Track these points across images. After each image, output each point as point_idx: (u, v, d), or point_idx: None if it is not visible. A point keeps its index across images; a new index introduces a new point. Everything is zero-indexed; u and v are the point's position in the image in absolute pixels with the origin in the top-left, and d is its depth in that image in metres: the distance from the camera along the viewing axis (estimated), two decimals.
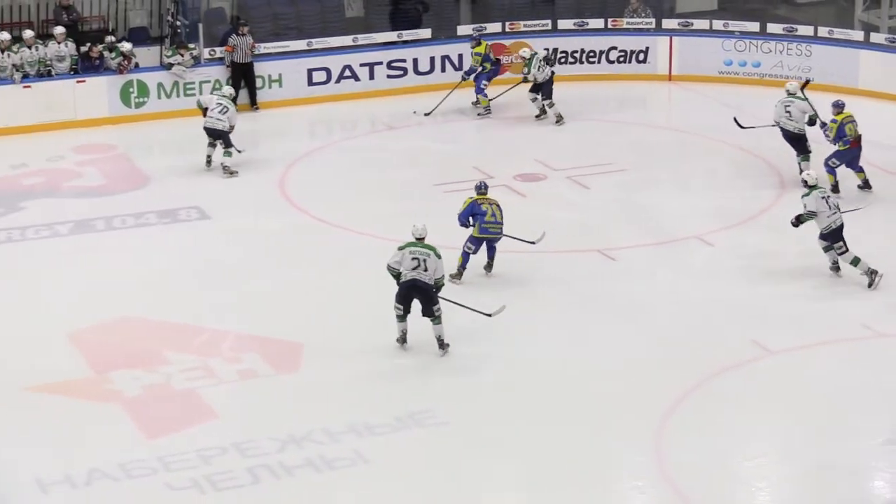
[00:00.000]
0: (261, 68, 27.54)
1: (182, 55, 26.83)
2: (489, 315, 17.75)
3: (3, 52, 25.99)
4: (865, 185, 22.37)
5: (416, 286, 17.19)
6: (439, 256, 17.25)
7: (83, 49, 26.57)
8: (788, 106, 22.63)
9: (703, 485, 14.75)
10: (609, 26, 29.63)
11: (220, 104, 23.39)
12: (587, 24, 29.66)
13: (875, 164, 22.73)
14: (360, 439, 15.51)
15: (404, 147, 25.57)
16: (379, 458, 15.21)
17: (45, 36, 26.94)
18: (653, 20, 29.39)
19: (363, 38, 28.67)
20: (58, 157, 25.18)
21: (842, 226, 19.03)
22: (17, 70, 26.07)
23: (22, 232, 21.71)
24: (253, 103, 27.26)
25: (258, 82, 27.46)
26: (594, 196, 23.14)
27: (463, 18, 29.83)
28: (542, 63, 26.18)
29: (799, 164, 22.52)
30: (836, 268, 19.34)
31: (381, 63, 28.53)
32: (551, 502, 14.54)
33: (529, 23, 29.53)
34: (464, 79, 27.44)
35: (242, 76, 27.10)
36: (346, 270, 19.69)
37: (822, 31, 28.60)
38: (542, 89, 26.29)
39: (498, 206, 19.38)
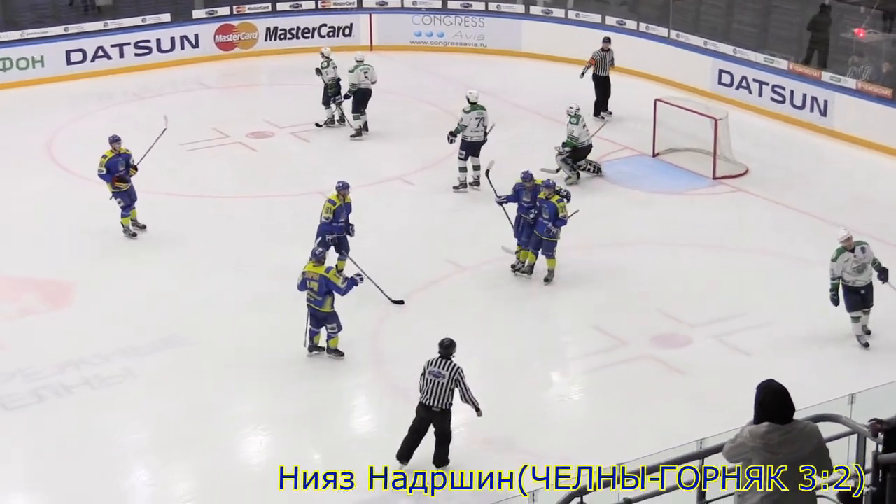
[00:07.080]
0: (24, 52, 26.57)
1: None
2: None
3: None
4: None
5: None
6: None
7: None
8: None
9: (412, 375, 14.85)
10: (319, 7, 29.47)
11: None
12: (300, 5, 29.42)
13: (539, 112, 23.03)
14: (128, 359, 15.29)
15: (151, 114, 24.90)
16: (145, 374, 15.02)
17: None
18: (355, 1, 29.29)
19: (112, 23, 27.88)
20: None
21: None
22: None
23: None
24: (605, 109, 24.24)
25: (22, 63, 26.48)
26: (313, 148, 23.05)
27: (197, 4, 29.20)
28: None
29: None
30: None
31: (129, 44, 27.80)
32: (286, 399, 14.67)
33: (253, 6, 29.15)
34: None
35: (601, 87, 24.23)
36: (106, 217, 19.12)
37: (492, 6, 29.03)
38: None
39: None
